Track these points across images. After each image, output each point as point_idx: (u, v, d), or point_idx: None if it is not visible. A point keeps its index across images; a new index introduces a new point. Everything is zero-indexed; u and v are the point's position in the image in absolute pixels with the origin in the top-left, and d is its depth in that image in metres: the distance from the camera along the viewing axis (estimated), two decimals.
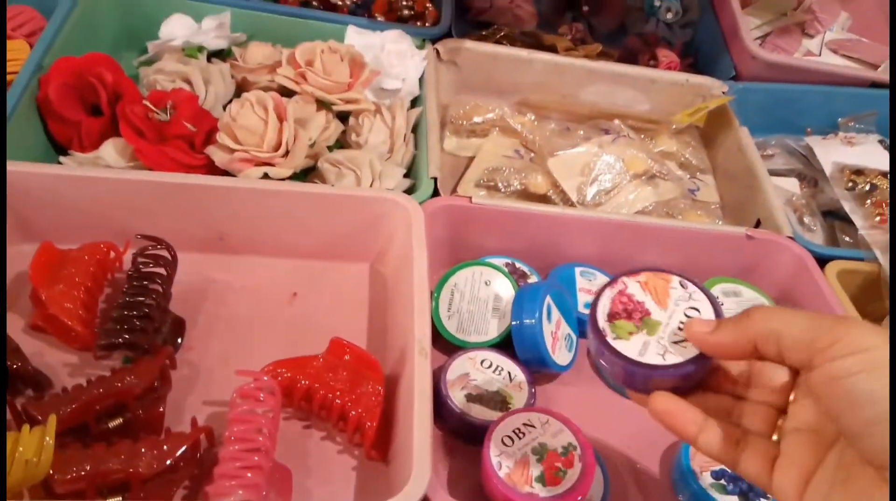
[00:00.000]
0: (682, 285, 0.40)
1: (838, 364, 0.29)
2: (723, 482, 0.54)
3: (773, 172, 0.85)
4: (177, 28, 0.77)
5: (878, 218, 0.77)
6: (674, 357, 0.36)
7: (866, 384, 0.28)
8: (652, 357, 0.37)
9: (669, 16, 0.99)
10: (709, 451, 0.36)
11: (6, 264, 0.58)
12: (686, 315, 0.38)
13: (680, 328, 0.38)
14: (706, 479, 0.54)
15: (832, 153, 0.87)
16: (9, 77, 0.68)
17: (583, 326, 0.65)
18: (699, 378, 0.38)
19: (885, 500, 0.28)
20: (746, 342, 0.34)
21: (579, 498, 0.48)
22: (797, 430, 0.34)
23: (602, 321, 0.38)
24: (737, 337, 0.34)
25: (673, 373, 0.36)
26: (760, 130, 0.88)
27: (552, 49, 0.89)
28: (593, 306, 0.39)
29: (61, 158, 0.66)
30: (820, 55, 1.02)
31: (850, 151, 0.87)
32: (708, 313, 0.38)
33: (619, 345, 0.37)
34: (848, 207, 0.81)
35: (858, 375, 0.28)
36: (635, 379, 0.38)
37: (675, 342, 0.37)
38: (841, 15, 1.06)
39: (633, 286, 0.40)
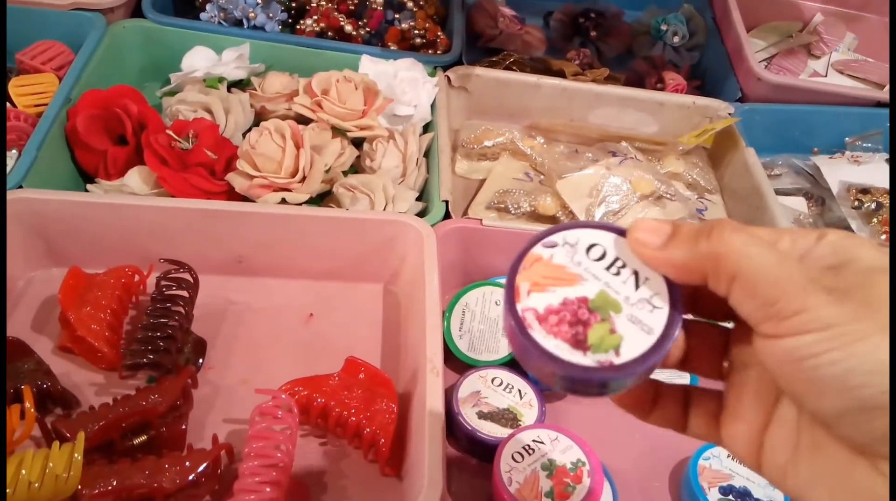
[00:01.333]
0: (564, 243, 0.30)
1: (800, 341, 0.23)
2: (731, 497, 0.55)
3: (780, 192, 0.86)
4: (198, 60, 0.80)
5: (883, 236, 0.78)
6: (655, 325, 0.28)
7: (832, 368, 0.22)
8: (639, 343, 0.27)
9: (676, 39, 1.01)
10: (659, 424, 0.32)
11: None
12: (619, 273, 0.29)
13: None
14: (714, 495, 0.55)
15: (839, 172, 0.88)
16: (39, 109, 0.72)
17: None
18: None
19: (867, 480, 0.23)
20: (699, 268, 0.26)
21: None
22: (740, 374, 0.28)
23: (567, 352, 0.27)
24: (691, 260, 0.26)
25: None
26: (767, 150, 0.90)
27: (560, 74, 0.92)
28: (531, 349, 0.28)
29: (88, 186, 0.70)
30: (826, 76, 1.04)
31: (856, 170, 0.88)
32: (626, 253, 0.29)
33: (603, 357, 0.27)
34: (854, 225, 0.81)
35: (823, 356, 0.22)
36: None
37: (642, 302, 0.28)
38: (847, 36, 1.08)
39: (532, 299, 0.29)
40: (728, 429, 0.28)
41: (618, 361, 0.27)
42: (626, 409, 0.32)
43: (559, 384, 0.28)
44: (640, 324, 0.28)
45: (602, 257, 0.29)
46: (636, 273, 0.28)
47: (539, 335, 0.28)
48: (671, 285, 0.28)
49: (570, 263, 0.29)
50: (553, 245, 0.30)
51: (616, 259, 0.29)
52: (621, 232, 0.29)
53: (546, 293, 0.28)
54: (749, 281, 0.24)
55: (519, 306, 0.28)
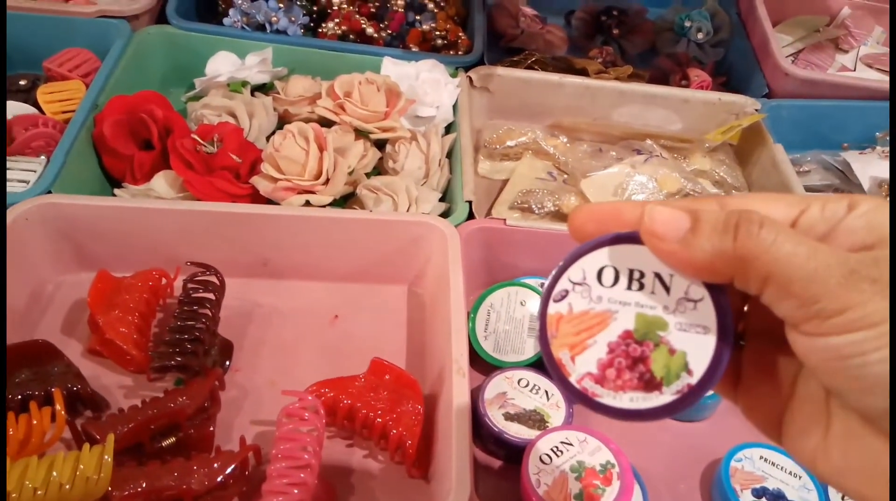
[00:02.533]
0: (575, 282, 0.27)
1: (846, 340, 0.21)
2: (764, 500, 0.54)
3: (809, 188, 0.84)
4: (222, 65, 0.81)
5: None
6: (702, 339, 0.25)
7: (881, 367, 0.21)
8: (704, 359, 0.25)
9: (700, 36, 1.00)
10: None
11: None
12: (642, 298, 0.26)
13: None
14: (747, 497, 0.54)
15: (869, 168, 0.86)
16: (66, 116, 0.73)
17: None
18: None
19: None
20: (725, 269, 0.24)
21: None
22: (755, 342, 0.27)
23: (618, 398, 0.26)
24: (715, 260, 0.24)
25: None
26: (796, 147, 0.88)
27: (583, 72, 0.91)
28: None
29: (115, 191, 0.70)
30: (855, 70, 1.02)
31: (888, 165, 0.86)
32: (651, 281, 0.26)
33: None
34: None
35: (871, 354, 0.21)
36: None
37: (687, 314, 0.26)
38: (875, 29, 1.06)
39: (580, 365, 0.27)
40: (744, 399, 0.27)
41: (694, 379, 0.25)
42: None
43: (647, 421, 0.26)
44: (692, 328, 0.25)
45: (616, 279, 0.26)
46: (658, 276, 0.26)
47: (609, 398, 0.26)
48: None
49: (590, 304, 0.26)
50: (564, 295, 0.27)
51: (631, 272, 0.26)
52: (617, 240, 0.26)
53: (589, 350, 0.26)
54: (784, 282, 0.22)
55: (573, 380, 0.26)
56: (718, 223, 0.23)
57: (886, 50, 1.04)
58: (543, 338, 0.27)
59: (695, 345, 0.25)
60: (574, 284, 0.27)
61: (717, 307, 0.25)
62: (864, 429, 0.23)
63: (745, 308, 0.27)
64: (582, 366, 0.26)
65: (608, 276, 0.26)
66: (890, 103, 0.90)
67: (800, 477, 0.55)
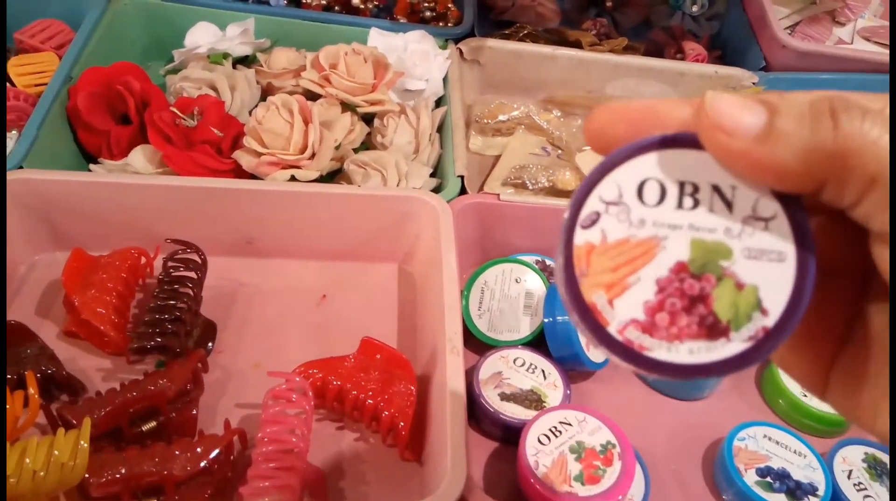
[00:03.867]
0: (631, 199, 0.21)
1: None
2: (768, 479, 0.52)
3: None
4: (201, 36, 0.78)
5: None
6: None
7: None
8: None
9: (695, 8, 0.97)
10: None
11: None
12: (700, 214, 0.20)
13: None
14: (751, 477, 0.52)
15: None
16: (39, 89, 0.70)
17: None
18: None
19: None
20: (817, 172, 0.18)
21: (619, 497, 0.47)
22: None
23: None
24: (809, 155, 0.18)
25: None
26: None
27: (577, 45, 0.88)
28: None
29: (91, 166, 0.67)
30: (852, 43, 1.00)
31: None
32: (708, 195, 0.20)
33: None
34: None
35: None
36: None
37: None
38: (872, 2, 1.04)
39: (621, 310, 0.20)
40: (789, 355, 0.22)
41: (771, 321, 0.19)
42: None
43: (711, 377, 0.21)
44: (765, 254, 0.20)
45: (663, 195, 0.20)
46: (717, 189, 0.20)
47: (662, 351, 0.20)
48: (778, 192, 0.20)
49: (630, 229, 0.20)
50: (594, 220, 0.20)
51: (682, 185, 0.20)
52: (662, 143, 0.20)
53: (632, 291, 0.20)
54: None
55: (613, 331, 0.20)
56: (806, 112, 0.18)
57: (884, 23, 1.02)
58: (570, 277, 0.20)
59: (768, 276, 0.19)
60: (607, 204, 0.20)
61: (794, 226, 0.19)
62: None
63: None
64: (624, 312, 0.20)
65: (652, 192, 0.20)
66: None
67: (805, 456, 0.54)
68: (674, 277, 0.20)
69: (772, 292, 0.19)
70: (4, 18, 0.74)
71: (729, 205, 0.20)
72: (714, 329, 0.20)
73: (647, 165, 0.20)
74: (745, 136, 0.18)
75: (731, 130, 0.18)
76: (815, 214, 0.20)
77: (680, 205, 0.20)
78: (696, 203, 0.20)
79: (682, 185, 0.20)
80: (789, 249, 0.19)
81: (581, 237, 0.21)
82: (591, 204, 0.21)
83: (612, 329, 0.20)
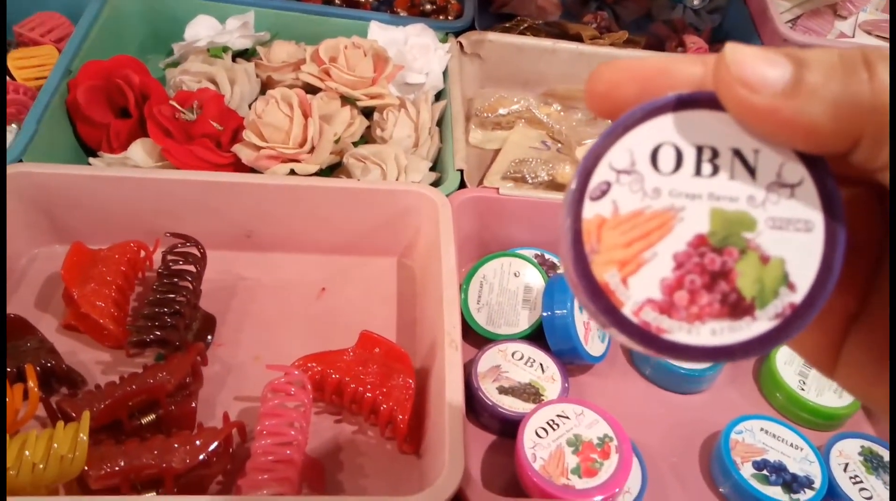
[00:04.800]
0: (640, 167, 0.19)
1: None
2: (765, 472, 0.52)
3: None
4: (201, 29, 0.77)
5: None
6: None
7: None
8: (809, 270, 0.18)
9: (696, 2, 0.97)
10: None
11: (6, 255, 0.59)
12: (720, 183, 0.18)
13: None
14: (748, 470, 0.52)
15: None
16: (39, 82, 0.70)
17: None
18: None
19: None
20: (856, 123, 0.16)
21: (616, 490, 0.47)
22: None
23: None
24: (844, 110, 0.16)
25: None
26: None
27: (577, 38, 0.88)
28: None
29: (90, 160, 0.67)
30: (853, 37, 0.99)
31: None
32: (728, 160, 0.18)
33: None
34: None
35: None
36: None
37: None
38: None
39: (636, 289, 0.18)
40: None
41: (798, 296, 0.18)
42: None
43: (734, 360, 0.19)
44: (791, 224, 0.18)
45: (680, 162, 0.18)
46: (738, 153, 0.18)
47: (682, 333, 0.18)
48: (806, 154, 0.18)
49: (644, 199, 0.18)
50: (605, 190, 0.18)
51: (700, 150, 0.18)
52: (678, 103, 0.18)
53: (647, 267, 0.18)
54: None
55: (628, 312, 0.18)
56: (837, 63, 0.16)
57: (885, 17, 1.02)
58: (579, 254, 0.18)
59: (795, 248, 0.18)
60: (618, 172, 0.18)
61: (823, 192, 0.18)
62: None
63: None
64: (639, 291, 0.18)
65: (667, 158, 0.18)
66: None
67: (801, 449, 0.54)
68: (693, 251, 0.18)
69: (799, 266, 0.18)
70: (4, 12, 0.74)
71: (752, 171, 0.18)
72: (738, 307, 0.18)
73: (661, 129, 0.18)
74: (771, 91, 0.16)
75: (755, 85, 0.16)
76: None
77: (698, 172, 0.18)
78: (716, 170, 0.18)
79: (700, 150, 0.18)
80: (817, 217, 0.18)
81: (590, 210, 0.18)
82: (601, 173, 0.19)
83: (627, 310, 0.18)
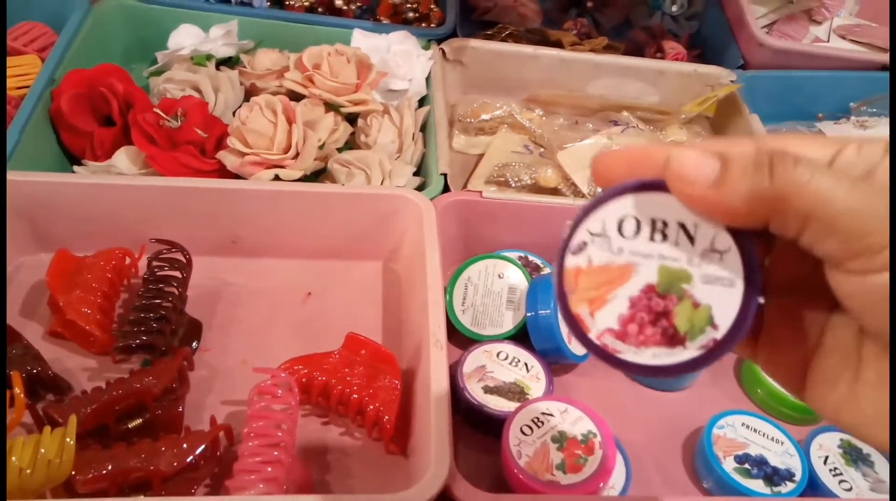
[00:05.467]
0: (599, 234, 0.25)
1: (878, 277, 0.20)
2: (747, 466, 0.53)
3: None
4: (185, 38, 0.78)
5: None
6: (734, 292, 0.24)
7: None
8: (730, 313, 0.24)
9: (674, 8, 0.99)
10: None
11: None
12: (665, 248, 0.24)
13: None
14: (730, 464, 0.53)
15: None
16: (21, 91, 0.70)
17: None
18: None
19: None
20: (761, 212, 0.22)
21: (601, 485, 0.48)
22: (779, 296, 0.26)
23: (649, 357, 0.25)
24: (750, 203, 0.22)
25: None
26: (771, 118, 0.87)
27: (558, 45, 0.89)
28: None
29: (75, 168, 0.67)
30: (828, 41, 1.01)
31: (862, 135, 0.86)
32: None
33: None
34: None
35: None
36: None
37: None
38: (848, 1, 1.06)
39: (600, 320, 0.25)
40: (764, 354, 0.26)
41: (719, 334, 0.23)
42: None
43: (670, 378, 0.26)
44: (718, 281, 0.24)
45: (638, 229, 0.24)
46: (682, 226, 0.24)
47: (630, 354, 0.25)
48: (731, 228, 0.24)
49: (611, 256, 0.25)
50: (582, 248, 0.25)
51: (654, 222, 0.24)
52: (640, 187, 0.24)
53: (609, 305, 0.25)
54: (828, 217, 0.21)
55: (593, 337, 0.25)
56: (750, 163, 0.22)
57: (860, 21, 1.04)
58: (561, 293, 0.25)
59: (720, 298, 0.24)
60: (593, 235, 0.25)
61: (744, 258, 0.23)
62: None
63: (767, 262, 0.26)
64: (602, 322, 0.25)
65: (629, 226, 0.25)
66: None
67: (782, 443, 0.55)
68: (643, 296, 0.24)
69: (722, 311, 0.23)
70: (4, 19, 0.74)
71: (691, 239, 0.24)
72: (674, 339, 0.24)
73: (626, 205, 0.24)
74: (702, 184, 0.22)
75: (691, 180, 0.22)
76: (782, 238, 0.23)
77: (652, 238, 0.24)
78: (665, 237, 0.24)
79: (653, 222, 0.24)
80: (738, 277, 0.23)
81: (571, 261, 0.25)
82: (580, 235, 0.25)
83: (592, 335, 0.25)
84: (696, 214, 0.23)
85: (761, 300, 0.24)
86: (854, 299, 0.22)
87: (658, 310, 0.24)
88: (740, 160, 0.22)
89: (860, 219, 0.20)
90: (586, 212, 0.25)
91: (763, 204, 0.22)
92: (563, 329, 0.58)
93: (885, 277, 0.20)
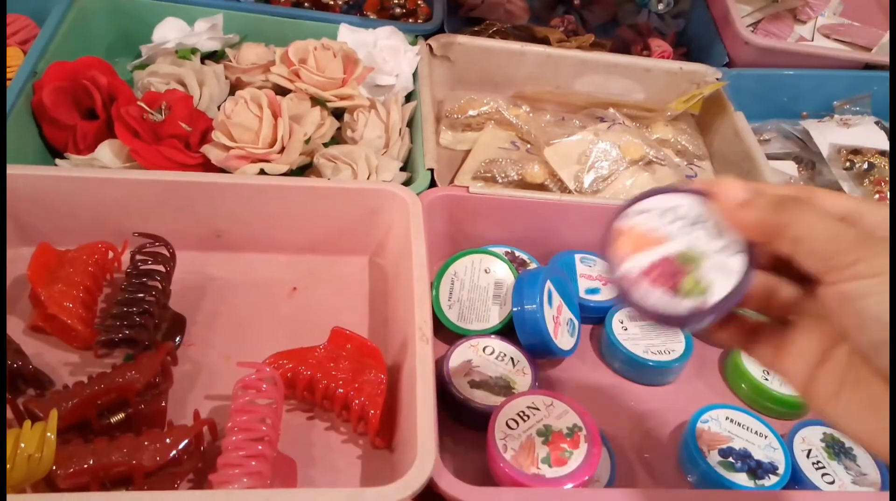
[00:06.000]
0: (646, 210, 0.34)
1: (854, 286, 0.28)
2: (731, 459, 0.53)
3: (770, 157, 0.85)
4: (169, 31, 0.77)
5: (877, 196, 0.77)
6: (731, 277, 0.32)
7: (876, 307, 0.27)
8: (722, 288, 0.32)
9: (661, 6, 0.99)
10: (724, 342, 0.37)
11: (6, 261, 0.58)
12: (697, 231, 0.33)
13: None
14: (714, 458, 0.54)
15: (829, 135, 0.87)
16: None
17: (585, 311, 0.64)
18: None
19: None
20: (770, 230, 0.31)
21: (586, 478, 0.48)
22: (807, 319, 0.33)
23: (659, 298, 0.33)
24: (761, 224, 0.31)
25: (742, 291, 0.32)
26: (756, 116, 0.88)
27: (545, 41, 0.89)
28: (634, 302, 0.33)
29: (57, 162, 0.67)
30: (812, 40, 1.02)
31: (846, 133, 0.87)
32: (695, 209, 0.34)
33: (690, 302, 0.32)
34: (847, 187, 0.80)
35: (870, 297, 0.28)
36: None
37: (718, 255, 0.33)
38: (832, 0, 1.07)
39: (631, 262, 0.34)
40: (791, 359, 0.33)
41: (708, 304, 0.31)
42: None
43: (662, 323, 0.34)
44: (722, 270, 0.32)
45: (684, 218, 0.34)
46: (716, 226, 0.33)
47: (640, 294, 0.33)
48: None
49: (657, 226, 0.34)
50: (640, 213, 0.35)
51: (697, 217, 0.33)
52: (697, 192, 0.34)
53: (641, 255, 0.33)
54: (810, 241, 0.29)
55: (619, 271, 0.33)
56: (771, 198, 0.31)
57: (843, 20, 1.05)
58: (607, 235, 0.34)
59: (719, 282, 0.32)
60: (650, 210, 0.34)
61: (747, 260, 0.32)
62: (867, 375, 0.29)
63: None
64: (631, 264, 0.33)
65: (678, 213, 0.34)
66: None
67: (765, 437, 0.55)
68: (665, 260, 0.33)
69: (716, 290, 0.32)
70: (4, 19, 0.73)
71: (717, 237, 0.33)
72: (676, 292, 0.32)
73: (682, 200, 0.34)
74: (733, 201, 0.32)
75: (728, 197, 0.32)
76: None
77: (691, 226, 0.33)
78: (700, 229, 0.33)
79: (697, 216, 0.33)
80: (738, 273, 0.32)
81: (623, 222, 0.35)
82: (635, 207, 0.35)
83: (621, 270, 0.33)
84: (725, 221, 0.32)
85: (740, 311, 0.34)
86: (828, 303, 0.29)
87: (672, 270, 0.33)
88: (767, 195, 0.31)
89: (832, 243, 0.29)
90: (645, 195, 0.35)
91: (770, 227, 0.31)
92: (549, 324, 0.58)
93: (847, 286, 0.28)
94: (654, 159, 0.78)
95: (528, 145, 0.82)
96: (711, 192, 0.33)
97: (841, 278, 0.28)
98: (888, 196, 0.77)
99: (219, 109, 0.69)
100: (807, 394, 0.32)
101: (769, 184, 0.32)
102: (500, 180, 0.76)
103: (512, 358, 0.58)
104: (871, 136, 0.87)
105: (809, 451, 0.56)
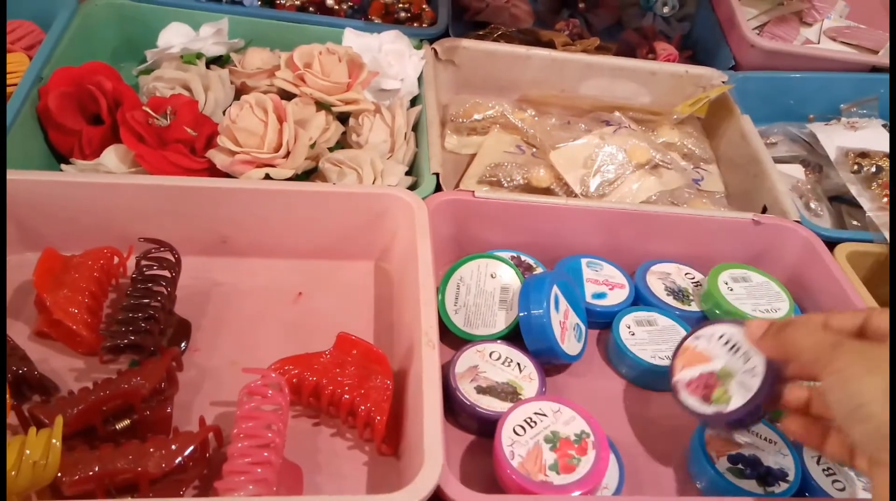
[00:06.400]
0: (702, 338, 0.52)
1: (828, 383, 0.39)
2: (740, 466, 0.53)
3: (776, 160, 0.84)
4: (174, 36, 0.77)
5: (885, 199, 0.76)
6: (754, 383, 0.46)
7: (833, 396, 0.39)
8: (742, 394, 0.47)
9: (666, 10, 0.99)
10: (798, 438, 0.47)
11: (5, 261, 0.58)
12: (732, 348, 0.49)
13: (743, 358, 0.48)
14: (723, 464, 0.53)
15: (836, 138, 0.86)
16: (9, 89, 0.69)
17: (591, 316, 0.64)
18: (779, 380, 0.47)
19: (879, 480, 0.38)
20: (779, 349, 0.45)
21: (594, 486, 0.47)
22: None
23: (700, 405, 0.49)
24: (773, 348, 0.45)
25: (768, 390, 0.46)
26: (762, 119, 0.88)
27: (550, 45, 0.89)
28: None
29: (63, 167, 0.67)
30: (818, 43, 1.02)
31: (853, 136, 0.87)
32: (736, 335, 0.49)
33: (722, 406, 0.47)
34: (854, 190, 0.80)
35: (831, 390, 0.39)
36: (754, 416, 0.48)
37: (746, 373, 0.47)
38: (838, 3, 1.06)
39: (683, 373, 0.51)
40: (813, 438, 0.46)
41: (726, 410, 0.47)
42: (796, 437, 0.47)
43: (696, 419, 0.50)
44: (744, 387, 0.47)
45: (728, 343, 0.49)
46: (746, 352, 0.47)
47: (684, 395, 0.50)
48: (768, 359, 0.46)
49: (707, 348, 0.50)
50: (697, 338, 0.52)
51: (737, 343, 0.48)
52: (735, 322, 0.50)
53: (692, 369, 0.50)
54: (801, 354, 0.43)
55: (674, 380, 0.51)
56: (777, 326, 0.45)
57: (849, 23, 1.05)
58: (674, 355, 0.53)
59: (739, 395, 0.47)
60: (700, 337, 0.52)
61: (763, 383, 0.46)
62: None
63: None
64: (682, 375, 0.51)
65: (724, 339, 0.50)
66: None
67: (775, 443, 0.55)
68: (707, 374, 0.49)
69: (734, 401, 0.47)
70: (4, 16, 0.73)
71: (747, 359, 0.47)
72: (707, 399, 0.48)
73: (730, 329, 0.50)
74: (756, 332, 0.47)
75: (753, 330, 0.47)
76: None
77: (731, 350, 0.49)
78: (736, 352, 0.48)
79: (737, 343, 0.49)
80: (755, 389, 0.46)
81: (689, 342, 0.52)
82: (701, 332, 0.52)
83: (675, 379, 0.51)
84: (752, 346, 0.47)
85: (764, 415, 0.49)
86: (825, 396, 0.40)
87: (709, 383, 0.48)
88: (776, 324, 0.46)
89: (812, 352, 0.42)
90: (705, 324, 0.52)
91: (780, 349, 0.45)
92: (556, 329, 0.58)
93: (825, 382, 0.40)
94: (661, 163, 0.78)
95: (534, 149, 0.81)
96: (746, 325, 0.48)
97: (820, 378, 0.40)
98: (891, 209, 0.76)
99: (224, 114, 0.69)
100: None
101: (793, 317, 0.52)
102: (505, 184, 0.76)
103: (518, 364, 0.57)
104: (878, 139, 0.87)
105: (819, 457, 0.55)
